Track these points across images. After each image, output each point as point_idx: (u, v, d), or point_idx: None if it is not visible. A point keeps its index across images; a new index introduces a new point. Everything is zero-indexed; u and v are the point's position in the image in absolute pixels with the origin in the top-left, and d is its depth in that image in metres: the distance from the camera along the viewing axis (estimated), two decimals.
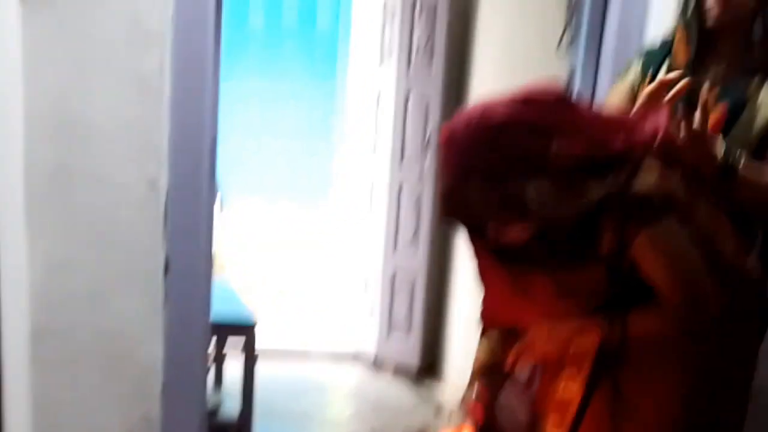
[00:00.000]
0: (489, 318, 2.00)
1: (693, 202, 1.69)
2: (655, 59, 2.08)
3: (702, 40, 1.99)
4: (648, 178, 1.63)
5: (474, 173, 1.61)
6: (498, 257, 1.79)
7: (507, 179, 1.59)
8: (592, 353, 1.78)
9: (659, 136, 1.69)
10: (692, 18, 2.00)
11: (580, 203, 1.60)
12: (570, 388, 1.80)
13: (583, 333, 1.77)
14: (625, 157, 1.64)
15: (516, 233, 1.67)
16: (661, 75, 1.99)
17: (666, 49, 2.08)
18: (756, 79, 1.93)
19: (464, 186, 1.62)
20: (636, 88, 2.06)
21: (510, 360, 1.89)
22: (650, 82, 1.93)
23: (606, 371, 1.78)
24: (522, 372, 1.93)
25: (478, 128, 1.61)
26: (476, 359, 1.99)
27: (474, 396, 1.96)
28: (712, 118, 1.79)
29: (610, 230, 1.65)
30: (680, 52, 2.01)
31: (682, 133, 1.71)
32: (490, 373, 1.95)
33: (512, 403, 1.94)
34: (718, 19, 1.96)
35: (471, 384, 1.98)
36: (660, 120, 1.73)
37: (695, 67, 1.97)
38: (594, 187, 1.60)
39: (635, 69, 2.11)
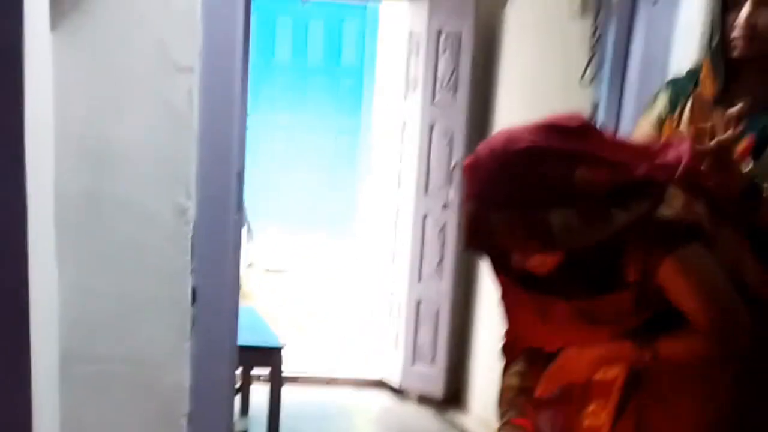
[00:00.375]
0: (513, 348, 1.99)
1: (717, 229, 1.68)
2: (683, 90, 2.06)
3: (728, 74, 1.98)
4: (672, 205, 1.63)
5: (498, 201, 1.59)
6: (522, 285, 1.78)
7: (531, 207, 1.56)
8: (621, 382, 1.79)
9: (683, 164, 1.68)
10: (717, 50, 1.98)
11: (605, 231, 1.58)
12: (598, 417, 1.81)
13: (612, 359, 1.77)
14: (650, 185, 1.63)
15: (540, 262, 1.67)
16: (688, 107, 1.99)
17: (693, 78, 2.07)
18: None
19: (488, 214, 1.60)
20: (664, 119, 2.05)
21: (541, 384, 1.87)
22: (680, 114, 1.96)
23: (633, 400, 1.79)
24: (550, 397, 1.92)
25: (502, 156, 1.59)
26: (504, 387, 1.96)
27: (518, 414, 1.91)
28: (739, 149, 1.78)
29: (635, 258, 1.64)
30: (707, 86, 2.00)
31: (709, 161, 1.72)
32: (522, 396, 1.92)
33: (543, 428, 1.93)
34: (744, 52, 1.95)
35: (502, 412, 1.95)
36: (683, 148, 1.72)
37: (722, 98, 1.96)
38: (619, 215, 1.59)
39: (662, 100, 2.10)
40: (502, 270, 1.80)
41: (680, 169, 1.67)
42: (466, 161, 1.68)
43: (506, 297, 1.89)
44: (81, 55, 1.98)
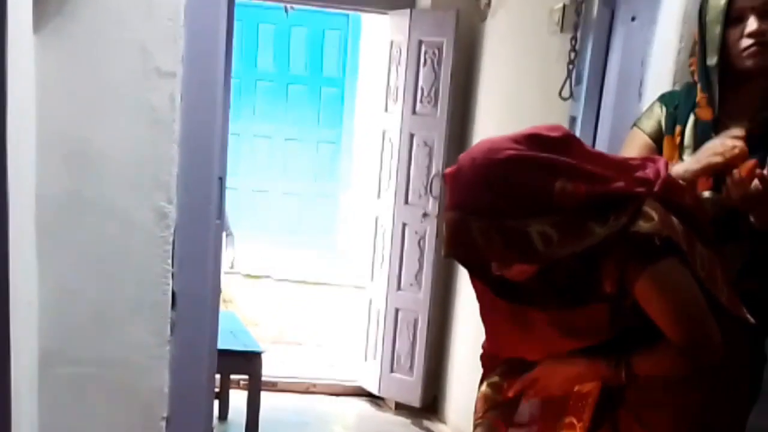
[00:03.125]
0: (491, 358, 1.99)
1: (692, 245, 1.69)
2: (683, 107, 2.07)
3: (722, 98, 1.98)
4: (649, 219, 1.63)
5: (478, 210, 1.58)
6: (501, 294, 1.79)
7: (510, 217, 1.56)
8: (596, 395, 1.81)
9: (661, 179, 1.70)
10: (714, 69, 1.98)
11: (583, 243, 1.59)
12: (573, 430, 1.82)
13: (587, 377, 1.78)
14: (628, 198, 1.64)
15: (519, 271, 1.68)
16: (689, 128, 2.03)
17: (691, 94, 2.07)
18: None
19: (468, 223, 1.59)
20: (662, 135, 2.08)
21: (513, 390, 1.88)
22: (681, 134, 2.01)
23: (608, 413, 1.81)
24: (524, 410, 1.94)
25: (484, 165, 1.59)
26: (481, 398, 1.97)
27: (488, 429, 1.93)
28: (744, 170, 1.81)
29: (612, 270, 1.65)
30: (703, 112, 2.02)
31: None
32: (497, 408, 1.93)
33: None
34: (760, 62, 1.93)
35: (477, 424, 1.95)
36: (660, 164, 1.75)
37: (719, 119, 1.98)
38: (596, 228, 1.59)
39: (658, 116, 2.11)
40: (481, 278, 1.81)
41: (658, 184, 1.69)
42: (448, 170, 1.67)
43: (485, 305, 1.90)
44: (64, 58, 1.99)
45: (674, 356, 1.69)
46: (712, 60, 1.98)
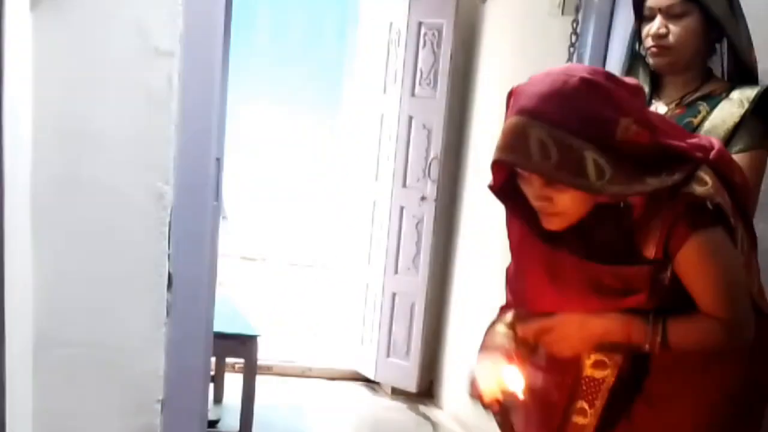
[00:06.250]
0: (518, 305, 1.94)
1: (737, 224, 1.67)
2: None
3: (658, 82, 2.16)
4: (703, 183, 1.61)
5: (542, 116, 1.55)
6: (540, 234, 1.75)
7: (572, 134, 1.54)
8: (611, 382, 1.78)
9: (716, 149, 1.69)
10: (638, 62, 2.18)
11: (632, 188, 1.57)
12: (585, 415, 1.81)
13: (615, 330, 1.71)
14: (684, 159, 1.62)
15: (563, 207, 1.64)
16: None
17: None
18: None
19: (528, 128, 1.55)
20: None
21: (528, 325, 1.83)
22: None
23: (621, 402, 1.79)
24: (539, 358, 1.88)
25: (558, 78, 1.57)
26: (488, 330, 1.94)
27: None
28: None
29: (658, 231, 1.63)
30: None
31: None
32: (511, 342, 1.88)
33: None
34: (656, 63, 2.10)
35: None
36: (713, 140, 1.75)
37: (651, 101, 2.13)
38: (649, 178, 1.58)
39: None
40: (521, 215, 1.77)
41: (714, 152, 1.68)
42: (512, 88, 1.67)
43: (520, 249, 1.86)
44: (61, 36, 1.96)
45: (709, 330, 1.65)
46: (640, 48, 2.18)
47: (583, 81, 1.56)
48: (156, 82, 2.01)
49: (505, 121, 1.63)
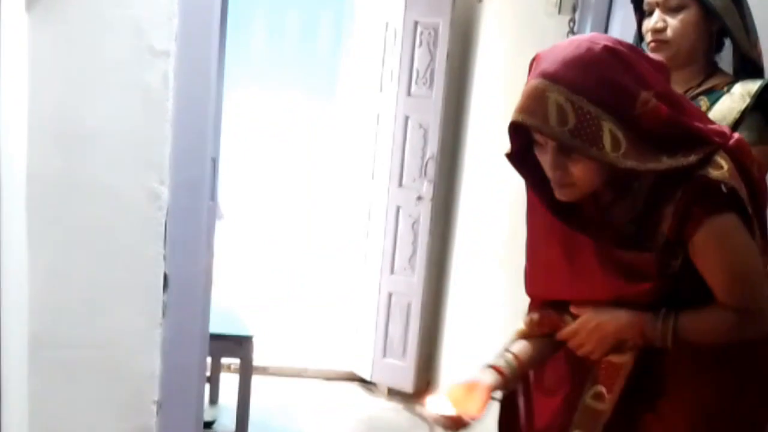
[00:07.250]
0: (534, 291, 1.94)
1: (752, 214, 1.65)
2: None
3: None
4: (719, 167, 1.59)
5: (563, 80, 1.54)
6: (557, 212, 1.74)
7: (591, 102, 1.53)
8: (629, 368, 1.76)
9: (735, 137, 1.67)
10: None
11: (646, 164, 1.55)
12: (602, 401, 1.79)
13: (628, 328, 1.71)
14: (702, 142, 1.60)
15: (580, 176, 1.63)
16: None
17: None
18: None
19: (548, 91, 1.55)
20: None
21: (560, 336, 1.83)
22: None
23: (638, 390, 1.77)
24: (552, 373, 1.91)
25: (582, 44, 1.57)
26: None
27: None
28: None
29: (673, 213, 1.61)
30: None
31: None
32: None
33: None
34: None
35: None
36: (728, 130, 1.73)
37: None
38: (664, 156, 1.56)
39: None
40: (538, 189, 1.76)
41: (733, 139, 1.66)
42: (537, 53, 1.66)
43: (537, 229, 1.85)
44: (56, 36, 1.96)
45: (724, 320, 1.65)
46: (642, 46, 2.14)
47: (607, 49, 1.55)
48: (151, 81, 2.01)
49: (526, 84, 1.63)
